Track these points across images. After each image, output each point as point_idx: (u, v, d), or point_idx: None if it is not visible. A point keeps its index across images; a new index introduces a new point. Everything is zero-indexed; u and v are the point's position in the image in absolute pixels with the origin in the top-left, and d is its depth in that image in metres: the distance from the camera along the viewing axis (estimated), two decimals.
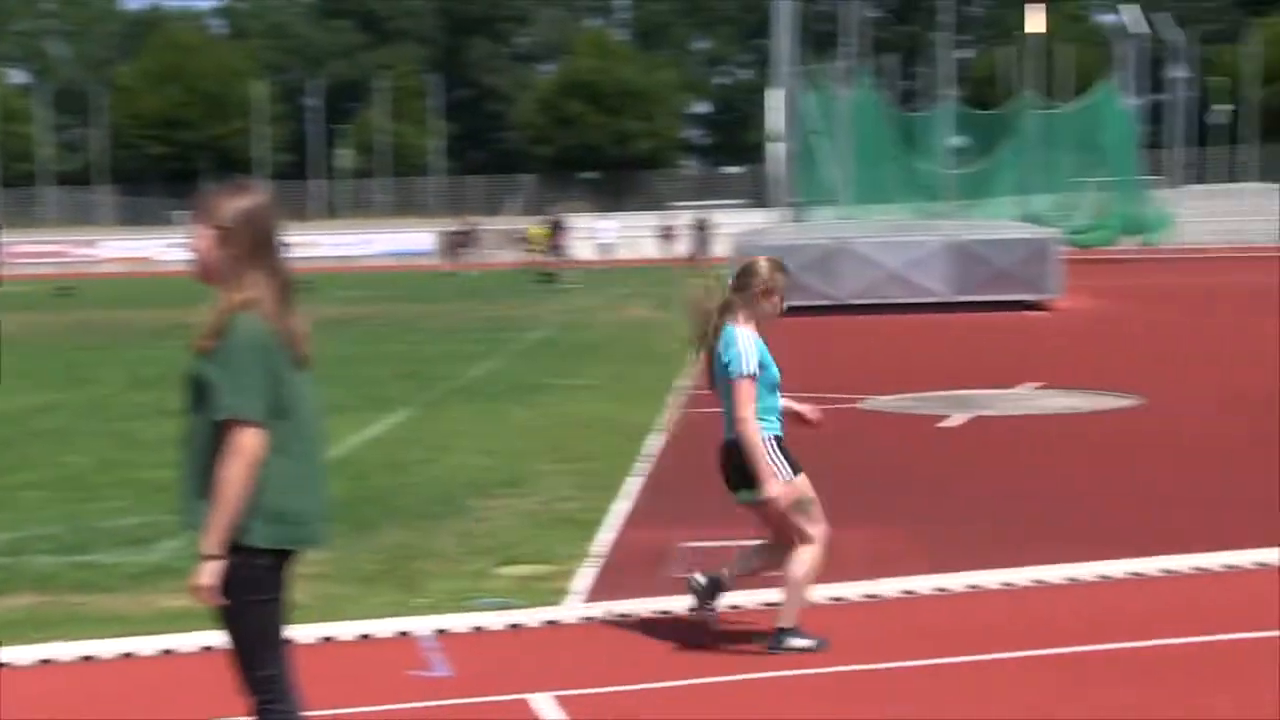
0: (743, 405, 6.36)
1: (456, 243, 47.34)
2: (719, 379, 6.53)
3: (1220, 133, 71.23)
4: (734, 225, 43.04)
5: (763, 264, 6.58)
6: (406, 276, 43.71)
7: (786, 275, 6.61)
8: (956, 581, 7.46)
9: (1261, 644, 6.35)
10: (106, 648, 6.69)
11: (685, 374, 17.21)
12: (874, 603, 7.23)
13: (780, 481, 6.35)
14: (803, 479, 6.49)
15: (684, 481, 10.48)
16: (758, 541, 6.74)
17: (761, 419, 6.41)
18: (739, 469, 6.41)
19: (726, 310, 6.53)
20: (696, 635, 6.73)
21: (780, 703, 5.83)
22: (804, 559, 6.40)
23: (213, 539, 4.13)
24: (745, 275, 6.55)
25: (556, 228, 43.76)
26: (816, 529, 6.46)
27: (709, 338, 6.55)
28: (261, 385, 4.15)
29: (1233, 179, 69.56)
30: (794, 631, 6.37)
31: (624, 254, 51.37)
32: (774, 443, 6.46)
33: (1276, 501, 9.21)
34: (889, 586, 7.39)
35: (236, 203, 4.25)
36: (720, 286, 6.67)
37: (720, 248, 38.93)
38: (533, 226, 46.37)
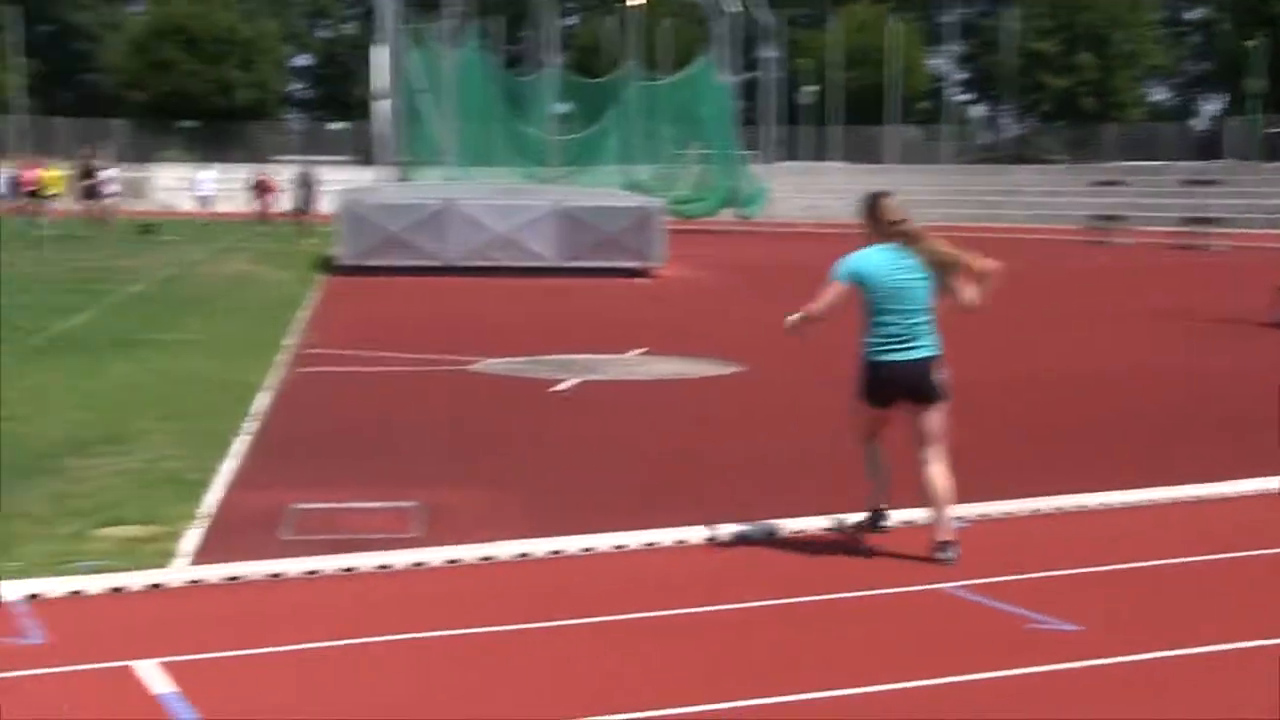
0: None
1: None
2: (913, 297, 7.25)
3: (808, 112, 74.35)
4: (339, 182, 42.32)
5: (875, 198, 7.43)
6: None
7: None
8: (572, 544, 7.51)
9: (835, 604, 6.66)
10: None
11: (290, 330, 16.84)
12: (490, 564, 7.21)
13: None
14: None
15: (296, 441, 10.25)
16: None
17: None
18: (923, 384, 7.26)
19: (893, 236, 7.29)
20: (311, 598, 6.58)
21: (398, 665, 5.74)
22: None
23: None
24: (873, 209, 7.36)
25: (87, 173, 39.62)
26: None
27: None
28: None
29: (819, 157, 72.79)
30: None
31: (224, 207, 49.90)
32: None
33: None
34: (505, 549, 7.38)
35: None
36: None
37: (325, 204, 38.17)
38: (47, 170, 40.84)
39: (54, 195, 38.70)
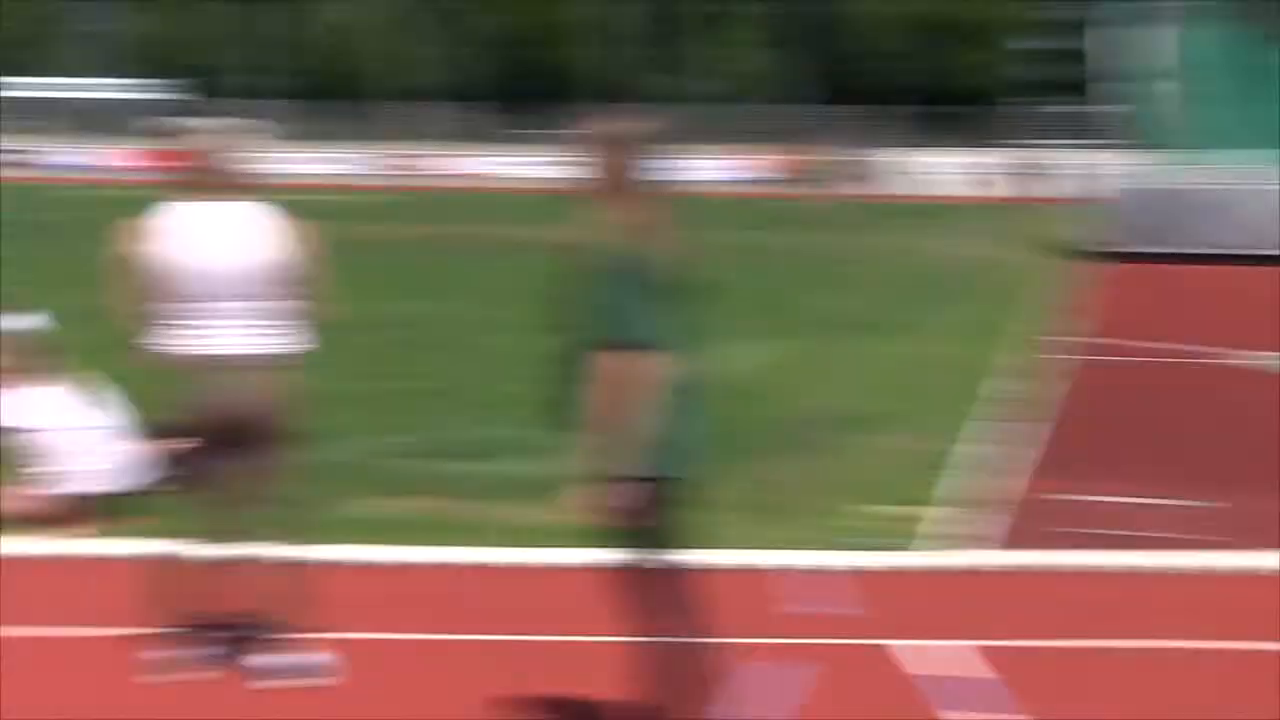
0: None
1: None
2: None
3: None
4: (1067, 167, 41.50)
5: None
6: (752, 203, 43.02)
7: None
8: None
9: None
10: (499, 556, 6.71)
11: (1035, 316, 16.58)
12: None
13: None
14: None
15: (1084, 432, 10.03)
16: None
17: None
18: None
19: None
20: (1111, 592, 6.38)
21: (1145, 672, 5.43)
22: None
23: (599, 462, 4.10)
24: None
25: (834, 158, 40.62)
26: None
27: None
28: (649, 309, 4.14)
29: None
30: None
31: (948, 191, 50.28)
32: None
33: None
34: None
35: (620, 126, 4.34)
36: None
37: (1047, 189, 37.56)
38: (801, 156, 42.37)
39: (810, 180, 40.64)
